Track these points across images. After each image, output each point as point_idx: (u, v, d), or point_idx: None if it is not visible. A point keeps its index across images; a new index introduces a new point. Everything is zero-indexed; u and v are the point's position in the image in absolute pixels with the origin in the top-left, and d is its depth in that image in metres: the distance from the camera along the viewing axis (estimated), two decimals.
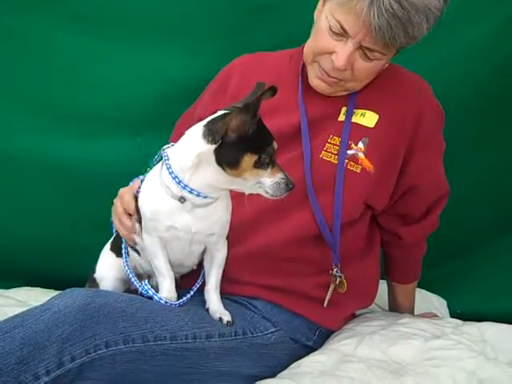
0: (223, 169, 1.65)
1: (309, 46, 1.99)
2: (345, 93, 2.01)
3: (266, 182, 1.65)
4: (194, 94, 2.32)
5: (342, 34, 1.85)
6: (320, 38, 1.91)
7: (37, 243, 2.58)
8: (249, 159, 1.63)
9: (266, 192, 1.66)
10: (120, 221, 1.87)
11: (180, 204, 1.72)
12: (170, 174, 1.70)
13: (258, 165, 1.64)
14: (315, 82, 1.98)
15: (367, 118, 1.97)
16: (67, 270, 2.50)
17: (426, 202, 2.10)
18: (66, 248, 2.59)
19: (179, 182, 1.69)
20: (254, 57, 2.21)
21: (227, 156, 1.63)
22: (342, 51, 1.86)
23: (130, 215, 1.85)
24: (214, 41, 2.49)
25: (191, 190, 1.68)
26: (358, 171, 1.93)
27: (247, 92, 2.01)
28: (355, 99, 1.99)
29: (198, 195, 1.69)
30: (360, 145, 1.95)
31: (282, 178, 1.65)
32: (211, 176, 1.67)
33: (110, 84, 2.52)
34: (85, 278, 2.04)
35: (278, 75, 2.10)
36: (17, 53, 2.50)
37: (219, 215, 1.78)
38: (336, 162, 1.93)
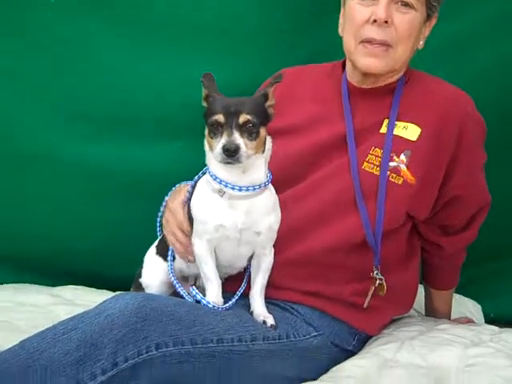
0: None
1: (347, 36, 2.05)
2: (394, 75, 2.05)
3: (215, 152, 1.74)
4: None
5: None
6: (354, 15, 2.01)
7: (81, 244, 2.66)
8: (206, 131, 1.79)
9: (217, 160, 1.75)
10: (175, 236, 1.94)
11: (225, 202, 1.80)
12: (207, 169, 1.84)
13: (211, 135, 1.76)
14: (365, 61, 2.02)
15: (409, 131, 2.00)
16: (111, 269, 2.58)
17: (467, 213, 2.12)
18: (109, 248, 2.67)
19: (211, 175, 1.81)
20: (296, 69, 2.25)
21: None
22: (379, 5, 1.96)
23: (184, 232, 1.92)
24: (254, 50, 2.53)
25: (220, 180, 1.79)
26: (400, 183, 1.97)
27: (290, 104, 2.11)
28: (397, 111, 2.02)
29: (226, 185, 1.79)
30: (402, 157, 1.98)
31: (222, 143, 1.71)
32: (210, 155, 1.81)
33: (151, 90, 2.56)
34: (127, 277, 2.10)
35: (320, 86, 2.16)
36: (59, 59, 2.54)
37: (263, 212, 1.84)
38: (378, 173, 1.98)
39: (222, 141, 1.71)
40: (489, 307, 2.77)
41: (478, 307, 2.69)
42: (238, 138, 1.71)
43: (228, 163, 1.72)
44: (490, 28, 2.52)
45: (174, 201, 2.00)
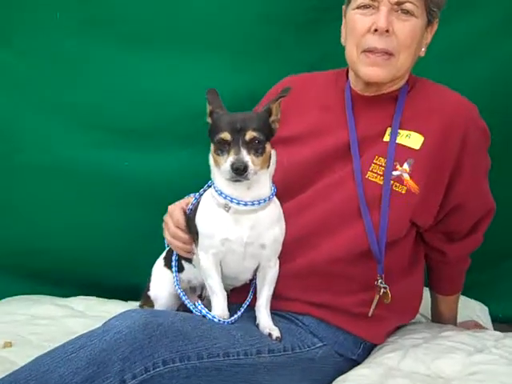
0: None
1: (349, 46, 2.07)
2: (397, 83, 2.08)
3: (223, 169, 1.76)
4: (241, 110, 2.41)
5: (371, 3, 1.99)
6: (355, 25, 2.03)
7: (92, 253, 2.71)
8: (212, 148, 1.81)
9: (225, 178, 1.77)
10: (174, 235, 1.98)
11: (230, 216, 1.83)
12: (212, 184, 1.86)
13: (217, 152, 1.78)
14: (367, 70, 2.04)
15: (412, 140, 2.01)
16: (120, 279, 2.62)
17: (471, 220, 2.14)
18: (120, 258, 2.72)
19: (216, 190, 1.84)
20: (301, 77, 2.27)
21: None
22: (379, 15, 1.99)
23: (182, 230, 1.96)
24: (261, 57, 2.57)
25: (226, 195, 1.82)
26: (403, 192, 1.98)
27: (294, 113, 2.11)
28: (400, 120, 2.04)
29: (231, 200, 1.82)
30: (405, 166, 2.00)
31: (230, 161, 1.74)
32: (215, 171, 1.84)
33: (162, 99, 2.61)
34: (136, 286, 2.14)
35: (324, 95, 2.18)
36: (72, 71, 2.61)
37: (267, 225, 1.87)
38: (381, 182, 1.99)
39: (230, 159, 1.74)
40: (497, 308, 2.79)
41: (485, 309, 2.71)
42: (246, 156, 1.74)
43: (237, 181, 1.76)
44: (493, 31, 2.53)
45: (173, 205, 2.05)
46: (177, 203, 2.05)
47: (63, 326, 2.25)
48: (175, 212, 2.01)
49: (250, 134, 1.75)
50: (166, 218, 2.05)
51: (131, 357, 1.64)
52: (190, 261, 2.02)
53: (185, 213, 2.00)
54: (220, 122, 1.80)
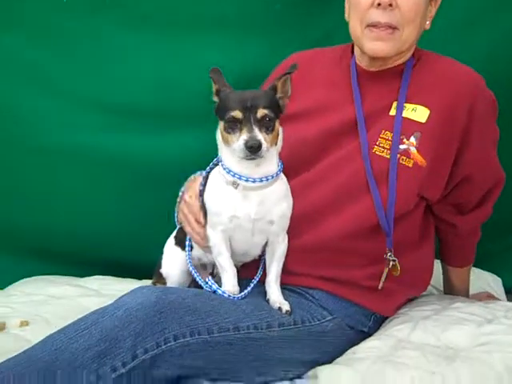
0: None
1: (353, 21, 2.07)
2: (402, 57, 2.07)
3: (235, 147, 1.77)
4: (249, 88, 2.41)
5: None
6: (358, 0, 2.02)
7: (105, 234, 2.75)
8: (221, 126, 1.81)
9: (238, 156, 1.78)
10: (193, 229, 2.00)
11: (238, 193, 1.85)
12: (220, 162, 1.88)
13: (228, 130, 1.78)
14: (372, 45, 2.04)
15: (418, 113, 2.01)
16: (134, 258, 2.66)
17: (480, 191, 2.14)
18: (133, 238, 2.75)
19: (224, 168, 1.85)
20: (307, 54, 2.28)
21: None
22: None
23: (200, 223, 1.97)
24: (266, 35, 2.56)
25: (234, 173, 1.83)
26: (411, 165, 1.99)
27: (300, 90, 2.12)
28: (406, 93, 2.04)
29: (240, 178, 1.83)
30: (412, 139, 2.00)
31: (244, 139, 1.74)
32: (223, 149, 1.85)
33: (169, 80, 2.61)
34: (150, 265, 2.17)
35: (330, 71, 2.18)
36: (80, 53, 2.61)
37: (275, 201, 1.89)
38: (388, 156, 1.99)
39: (243, 137, 1.74)
40: (510, 279, 2.79)
41: (498, 280, 2.71)
42: (259, 134, 1.75)
43: (251, 159, 1.77)
44: (498, 2, 2.50)
45: (188, 192, 2.06)
46: (191, 191, 2.04)
47: (78, 305, 2.28)
48: (193, 205, 2.01)
49: (261, 112, 1.76)
50: (183, 207, 2.05)
51: (142, 332, 1.67)
52: None
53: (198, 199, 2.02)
54: (229, 100, 1.80)
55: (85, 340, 1.64)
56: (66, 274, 2.72)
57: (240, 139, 1.75)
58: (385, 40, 2.02)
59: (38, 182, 2.72)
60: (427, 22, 2.09)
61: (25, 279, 2.71)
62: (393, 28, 2.00)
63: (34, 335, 1.98)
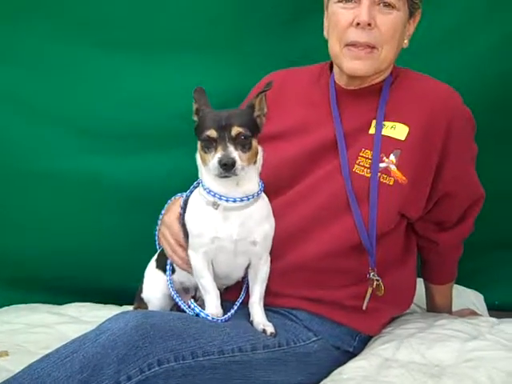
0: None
1: (332, 40, 2.08)
2: (380, 75, 2.08)
3: (210, 165, 1.77)
4: (226, 107, 2.41)
5: None
6: (337, 19, 2.04)
7: (85, 259, 2.71)
8: (198, 145, 1.82)
9: (213, 174, 1.78)
10: (174, 252, 1.98)
11: (219, 214, 1.84)
12: (199, 182, 1.88)
13: (204, 149, 1.79)
14: (350, 64, 2.04)
15: (398, 131, 2.02)
16: (114, 283, 2.63)
17: (460, 208, 2.14)
18: (111, 263, 2.72)
19: (204, 188, 1.85)
20: (285, 72, 2.28)
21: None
22: (361, 8, 1.99)
23: (182, 246, 1.96)
24: (245, 55, 2.59)
25: (214, 193, 1.83)
26: (391, 184, 1.99)
27: (279, 109, 2.12)
28: (385, 111, 2.05)
29: (220, 198, 1.82)
30: (391, 157, 2.00)
31: (218, 157, 1.74)
32: (203, 169, 1.85)
33: (147, 102, 2.62)
34: (131, 290, 2.14)
35: (309, 90, 2.19)
36: (56, 77, 2.62)
37: (257, 221, 1.87)
38: (369, 175, 1.99)
39: (217, 155, 1.74)
40: (492, 296, 2.80)
41: (481, 297, 2.71)
42: (233, 152, 1.75)
43: (225, 177, 1.76)
44: (475, 18, 2.54)
45: (168, 214, 2.04)
46: (172, 213, 2.03)
47: (58, 332, 2.25)
48: (174, 225, 2.00)
49: (235, 130, 1.76)
50: (164, 229, 2.04)
51: (126, 358, 1.64)
52: None
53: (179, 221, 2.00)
54: (205, 119, 1.81)
55: (66, 368, 1.61)
56: (44, 302, 2.68)
57: (215, 157, 1.74)
58: (363, 59, 2.03)
59: (16, 207, 2.70)
60: (405, 41, 2.11)
61: (3, 308, 2.66)
62: (371, 47, 2.02)
63: (15, 365, 1.93)
